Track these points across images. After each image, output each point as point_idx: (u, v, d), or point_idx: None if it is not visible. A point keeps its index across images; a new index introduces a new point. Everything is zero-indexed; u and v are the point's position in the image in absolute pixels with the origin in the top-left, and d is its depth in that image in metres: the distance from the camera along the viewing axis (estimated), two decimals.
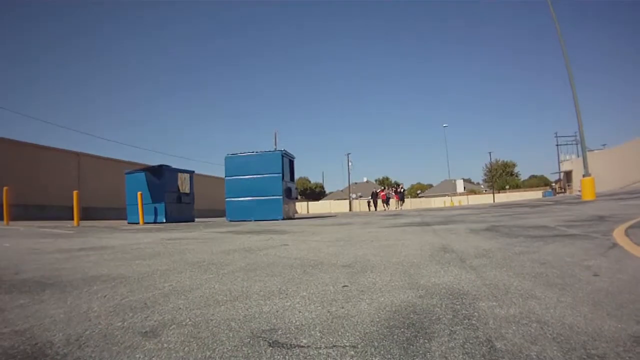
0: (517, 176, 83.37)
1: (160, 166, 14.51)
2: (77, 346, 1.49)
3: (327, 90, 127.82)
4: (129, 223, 13.30)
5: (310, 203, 60.90)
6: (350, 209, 51.11)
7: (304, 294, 2.23)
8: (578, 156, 47.91)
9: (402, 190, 36.10)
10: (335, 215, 19.89)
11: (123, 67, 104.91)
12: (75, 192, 11.48)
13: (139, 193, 12.83)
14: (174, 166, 15.05)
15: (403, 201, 35.17)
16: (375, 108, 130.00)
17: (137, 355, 1.38)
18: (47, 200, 15.90)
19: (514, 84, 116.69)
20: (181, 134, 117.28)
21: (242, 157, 14.05)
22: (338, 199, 68.60)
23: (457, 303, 1.92)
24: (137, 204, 12.78)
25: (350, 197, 59.37)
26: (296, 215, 17.27)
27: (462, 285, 2.28)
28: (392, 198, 35.98)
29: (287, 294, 2.23)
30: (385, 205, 35.85)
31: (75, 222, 11.17)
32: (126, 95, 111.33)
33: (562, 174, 54.83)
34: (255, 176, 13.73)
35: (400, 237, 5.20)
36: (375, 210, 35.04)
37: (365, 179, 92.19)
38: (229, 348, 1.42)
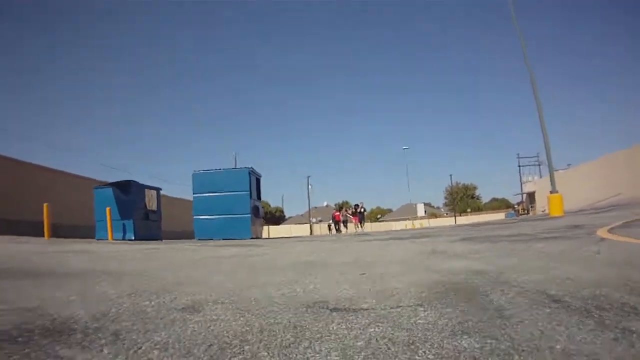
0: (478, 199, 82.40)
1: (128, 182, 13.75)
2: (109, 320, 1.31)
3: (288, 113, 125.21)
4: (97, 239, 12.49)
5: (271, 227, 59.79)
6: (311, 233, 50.62)
7: (322, 282, 2.08)
8: (541, 177, 46.58)
9: (362, 210, 30.74)
10: (300, 237, 19.60)
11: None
12: (45, 205, 10.64)
13: (107, 208, 12.12)
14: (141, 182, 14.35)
15: (363, 222, 30.30)
16: (335, 131, 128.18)
17: (191, 325, 1.22)
18: (12, 215, 14.73)
19: (474, 107, 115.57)
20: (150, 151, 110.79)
21: (209, 174, 13.49)
22: (298, 223, 67.77)
23: (486, 276, 1.90)
24: (106, 220, 12.06)
25: (310, 220, 58.92)
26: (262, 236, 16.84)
27: (478, 268, 2.24)
28: (350, 221, 33.21)
29: (305, 283, 2.07)
30: (343, 228, 33.75)
31: (46, 236, 10.29)
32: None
33: (524, 196, 52.08)
34: (222, 194, 13.22)
35: (383, 246, 5.03)
36: (337, 232, 32.93)
37: (325, 203, 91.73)
38: (291, 315, 1.29)
